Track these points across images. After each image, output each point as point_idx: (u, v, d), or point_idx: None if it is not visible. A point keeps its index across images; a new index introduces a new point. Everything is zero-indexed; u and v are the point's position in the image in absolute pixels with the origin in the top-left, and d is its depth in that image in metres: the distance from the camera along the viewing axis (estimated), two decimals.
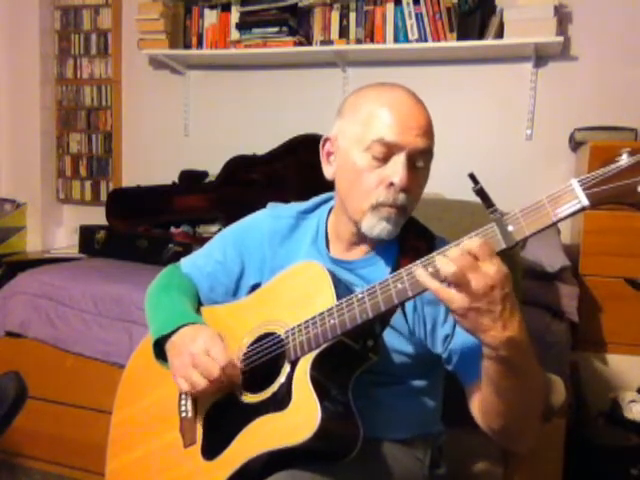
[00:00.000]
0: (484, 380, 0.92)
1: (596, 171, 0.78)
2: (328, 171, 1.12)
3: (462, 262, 0.79)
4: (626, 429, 2.01)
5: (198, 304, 1.23)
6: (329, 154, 1.11)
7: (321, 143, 1.12)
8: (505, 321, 0.82)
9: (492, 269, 0.79)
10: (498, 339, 0.82)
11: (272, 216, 1.22)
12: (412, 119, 1.01)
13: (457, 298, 0.80)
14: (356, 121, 1.04)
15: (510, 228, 0.82)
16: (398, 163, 1.00)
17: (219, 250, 1.25)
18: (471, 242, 0.81)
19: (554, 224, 0.80)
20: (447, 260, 0.80)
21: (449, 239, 1.02)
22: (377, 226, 1.03)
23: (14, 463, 2.33)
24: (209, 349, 1.02)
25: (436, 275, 0.83)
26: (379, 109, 1.01)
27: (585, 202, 0.77)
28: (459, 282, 0.79)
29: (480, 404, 0.98)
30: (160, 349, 1.12)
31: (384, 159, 1.01)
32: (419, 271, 0.84)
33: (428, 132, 1.03)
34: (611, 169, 0.77)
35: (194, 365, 1.01)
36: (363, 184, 1.02)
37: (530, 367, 0.89)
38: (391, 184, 1.00)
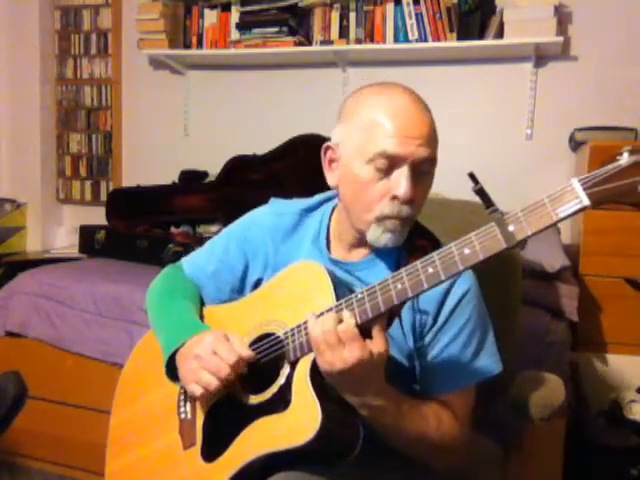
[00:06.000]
0: None
1: (596, 170, 0.77)
2: (331, 179, 1.10)
3: (325, 338, 0.88)
4: (626, 429, 2.00)
5: (201, 306, 1.22)
6: (331, 161, 1.09)
7: (322, 150, 1.10)
8: (359, 391, 0.92)
9: (352, 355, 0.88)
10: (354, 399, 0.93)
11: (274, 212, 1.21)
12: (414, 128, 0.98)
13: (327, 358, 0.89)
14: (357, 129, 1.02)
15: (511, 228, 0.81)
16: (401, 175, 0.98)
17: (221, 248, 1.24)
18: (346, 326, 0.89)
19: (555, 224, 0.80)
20: (317, 327, 0.90)
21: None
22: (382, 237, 1.03)
23: (14, 463, 2.33)
24: (215, 348, 1.00)
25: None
26: (380, 117, 0.99)
27: (586, 202, 0.77)
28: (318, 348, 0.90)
29: None
30: (172, 364, 1.09)
31: (387, 171, 0.99)
32: (311, 321, 0.92)
33: (431, 140, 1.00)
34: (612, 168, 0.76)
35: (202, 366, 1.00)
36: (367, 196, 1.01)
37: (399, 434, 0.98)
38: (395, 197, 0.99)
